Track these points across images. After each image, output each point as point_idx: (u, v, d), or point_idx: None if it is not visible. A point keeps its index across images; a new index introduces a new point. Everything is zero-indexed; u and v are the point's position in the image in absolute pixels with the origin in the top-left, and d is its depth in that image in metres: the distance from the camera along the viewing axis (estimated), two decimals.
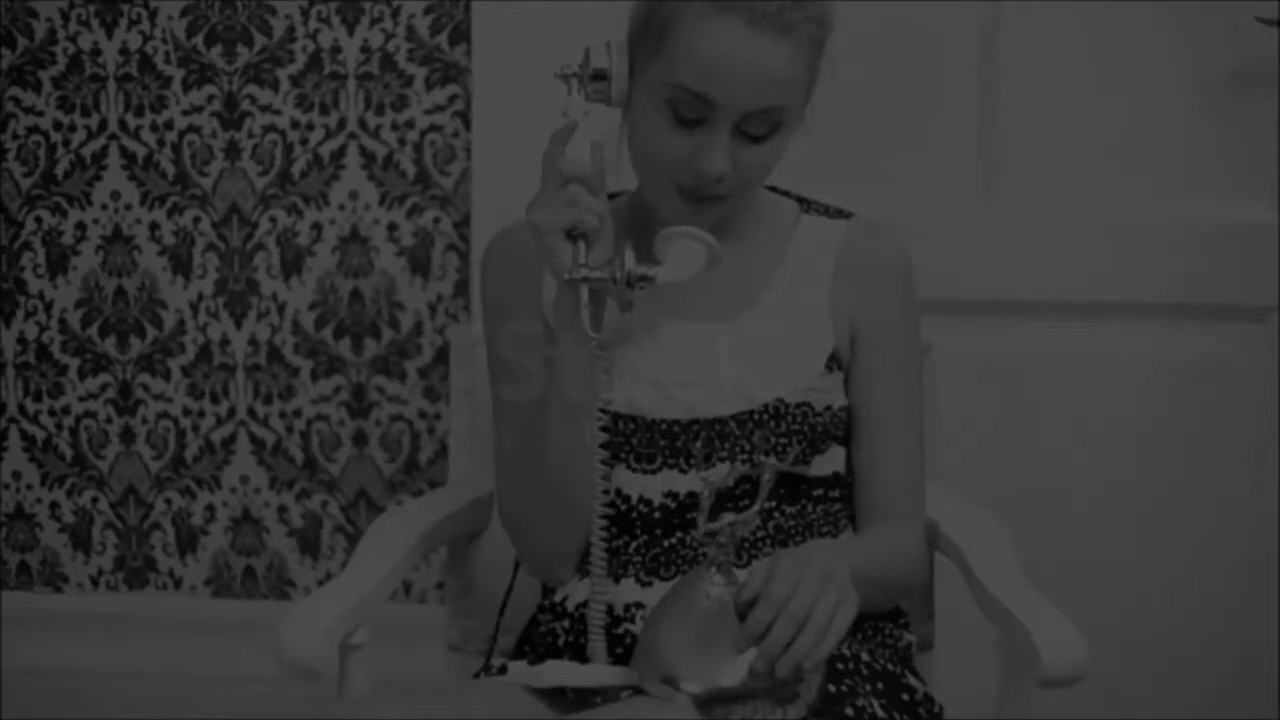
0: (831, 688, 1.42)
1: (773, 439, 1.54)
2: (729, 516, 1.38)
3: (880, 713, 1.43)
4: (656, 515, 1.55)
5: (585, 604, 1.53)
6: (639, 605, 1.52)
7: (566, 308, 1.48)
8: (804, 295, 1.59)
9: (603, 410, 1.51)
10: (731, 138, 1.47)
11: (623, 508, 1.56)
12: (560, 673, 1.45)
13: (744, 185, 1.52)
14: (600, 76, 1.48)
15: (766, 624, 1.31)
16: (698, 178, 1.48)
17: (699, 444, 1.54)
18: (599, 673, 1.45)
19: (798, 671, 1.35)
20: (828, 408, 1.57)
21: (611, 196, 1.66)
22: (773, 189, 1.66)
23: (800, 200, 1.66)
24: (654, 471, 1.55)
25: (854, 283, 1.60)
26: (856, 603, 1.34)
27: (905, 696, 1.49)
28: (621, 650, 1.51)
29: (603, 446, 1.50)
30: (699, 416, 1.54)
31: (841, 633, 1.32)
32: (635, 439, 1.55)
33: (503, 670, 1.53)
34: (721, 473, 1.50)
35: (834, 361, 1.58)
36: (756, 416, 1.54)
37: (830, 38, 1.50)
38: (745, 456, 1.53)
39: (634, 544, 1.55)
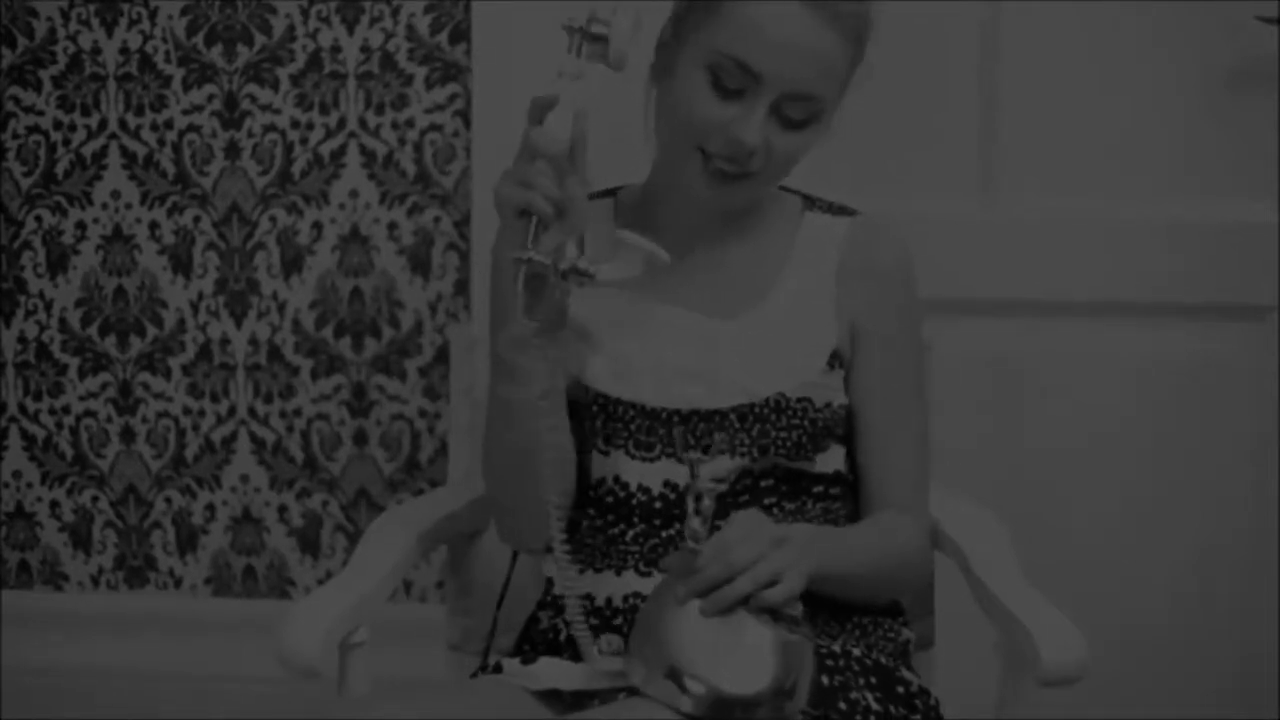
0: (825, 680, 1.42)
1: (772, 433, 1.55)
2: (694, 521, 1.37)
3: (875, 706, 1.43)
4: (656, 505, 1.55)
5: (588, 597, 1.53)
6: (638, 595, 1.52)
7: (505, 286, 1.47)
8: (808, 291, 1.60)
9: (604, 396, 1.54)
10: (768, 117, 1.48)
11: (621, 495, 1.56)
12: (554, 674, 1.45)
13: (770, 172, 1.52)
14: (599, 37, 1.41)
15: (707, 568, 1.35)
16: (732, 146, 1.48)
17: (697, 435, 1.55)
18: (593, 675, 1.44)
19: (792, 669, 1.34)
20: (828, 404, 1.57)
21: (611, 193, 1.67)
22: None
23: (804, 197, 1.66)
24: (653, 460, 1.56)
25: (856, 282, 1.60)
26: (805, 574, 1.37)
27: (900, 690, 1.49)
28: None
29: (602, 428, 1.52)
30: (699, 408, 1.55)
31: (789, 592, 1.35)
32: (634, 425, 1.56)
33: (499, 668, 1.53)
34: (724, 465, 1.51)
35: (835, 359, 1.59)
36: (757, 410, 1.55)
37: (869, 43, 1.53)
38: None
39: (631, 533, 1.56)
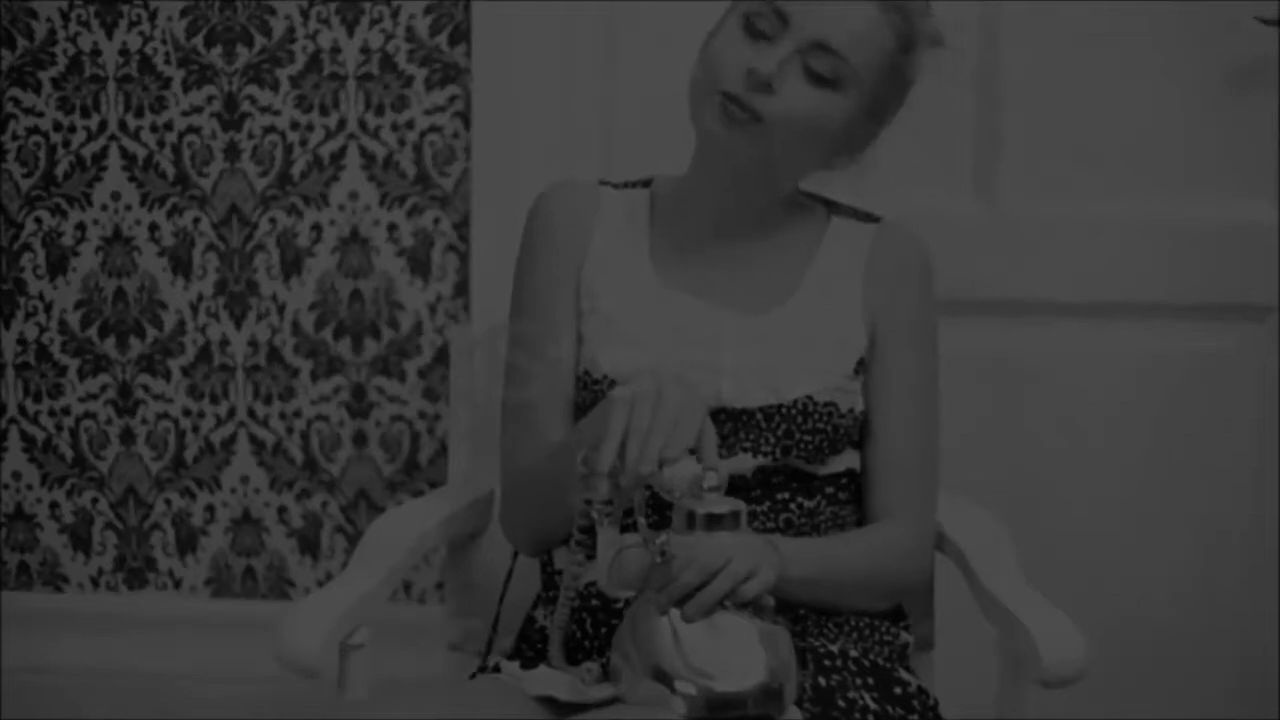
0: (822, 681, 1.42)
1: (796, 434, 1.55)
2: (662, 535, 1.36)
3: (873, 705, 1.43)
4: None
5: (593, 583, 1.53)
6: None
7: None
8: (835, 296, 1.61)
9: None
10: (792, 59, 1.49)
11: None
12: (550, 683, 1.45)
13: (783, 129, 1.50)
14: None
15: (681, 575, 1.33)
16: (747, 79, 1.48)
17: (723, 434, 1.54)
18: (585, 689, 1.44)
19: (780, 661, 1.34)
20: (850, 410, 1.58)
21: (645, 184, 1.67)
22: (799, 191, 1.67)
23: (827, 203, 1.67)
24: None
25: (878, 286, 1.62)
26: (774, 568, 1.35)
27: (897, 690, 1.49)
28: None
29: None
30: (726, 406, 1.55)
31: (764, 585, 1.33)
32: None
33: (498, 669, 1.53)
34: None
35: (861, 366, 1.60)
36: (784, 411, 1.55)
37: (921, 55, 1.56)
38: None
39: (644, 522, 1.55)
